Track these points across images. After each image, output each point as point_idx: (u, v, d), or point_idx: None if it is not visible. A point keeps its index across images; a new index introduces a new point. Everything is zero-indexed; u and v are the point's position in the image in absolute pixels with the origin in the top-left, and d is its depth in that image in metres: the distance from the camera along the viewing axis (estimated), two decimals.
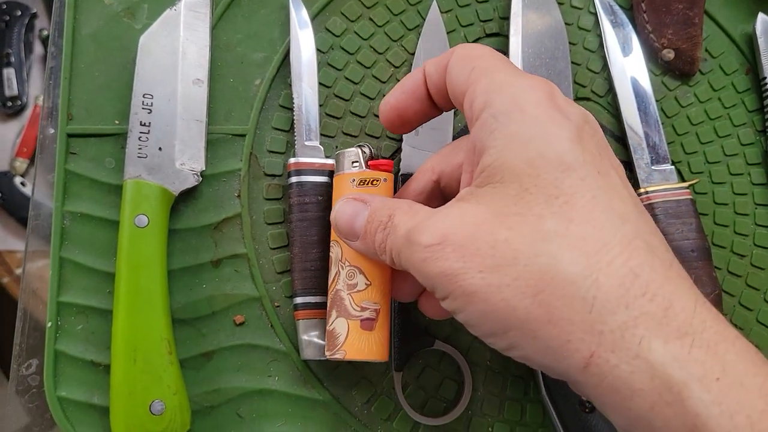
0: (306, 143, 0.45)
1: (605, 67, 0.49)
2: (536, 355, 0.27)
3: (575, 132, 0.29)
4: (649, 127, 0.47)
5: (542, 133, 0.28)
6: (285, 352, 0.43)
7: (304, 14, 0.47)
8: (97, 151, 0.44)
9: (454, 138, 0.47)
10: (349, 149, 0.38)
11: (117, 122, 0.45)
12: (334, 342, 0.36)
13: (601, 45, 0.50)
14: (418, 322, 0.44)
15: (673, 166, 0.46)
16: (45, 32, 1.10)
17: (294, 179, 0.43)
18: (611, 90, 0.49)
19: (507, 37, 0.48)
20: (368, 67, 0.48)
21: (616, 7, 0.50)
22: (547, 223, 0.27)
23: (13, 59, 1.08)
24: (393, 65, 0.48)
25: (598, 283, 0.25)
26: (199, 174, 0.44)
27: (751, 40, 0.51)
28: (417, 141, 0.46)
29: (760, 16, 0.51)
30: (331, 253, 0.38)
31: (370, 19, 0.49)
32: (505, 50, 0.48)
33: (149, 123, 0.44)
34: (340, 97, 0.47)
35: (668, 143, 0.48)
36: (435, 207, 0.31)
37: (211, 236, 0.44)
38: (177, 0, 0.46)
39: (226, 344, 0.43)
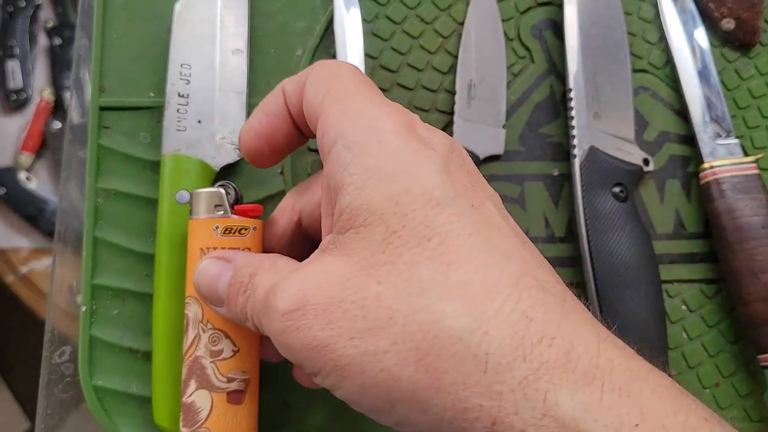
0: None
1: (662, 37, 0.47)
2: (431, 430, 0.23)
3: (442, 163, 0.25)
4: (712, 99, 0.45)
5: (405, 166, 0.25)
6: None
7: None
8: (132, 125, 0.42)
9: (509, 111, 0.45)
10: (208, 189, 0.32)
11: (152, 95, 0.42)
12: (193, 418, 0.31)
13: (657, 15, 0.47)
14: None
15: (737, 140, 0.44)
16: (50, 23, 1.07)
17: None
18: (669, 62, 0.47)
19: (560, 6, 0.45)
20: (415, 37, 0.45)
21: None
22: (422, 272, 0.23)
23: (17, 51, 1.04)
24: (441, 35, 0.45)
25: (489, 337, 0.22)
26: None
27: None
28: (470, 114, 0.43)
29: None
30: (187, 311, 0.32)
31: None
32: (559, 20, 0.45)
33: (187, 95, 0.41)
34: (387, 69, 0.44)
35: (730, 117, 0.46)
36: (300, 253, 0.28)
37: None
38: None
39: None
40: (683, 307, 0.43)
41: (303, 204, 0.32)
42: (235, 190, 0.33)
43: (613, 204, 0.41)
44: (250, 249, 0.32)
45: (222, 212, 0.32)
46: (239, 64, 0.43)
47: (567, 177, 0.44)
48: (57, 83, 1.05)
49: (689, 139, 0.45)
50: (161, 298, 0.37)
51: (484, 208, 0.26)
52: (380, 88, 0.43)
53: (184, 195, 0.38)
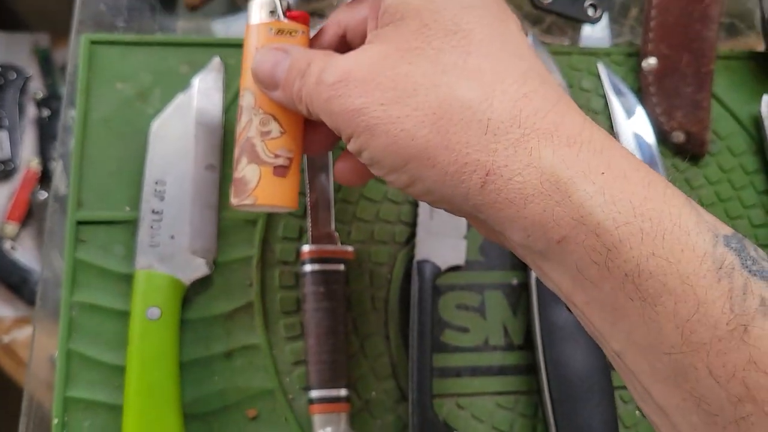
0: (320, 230, 0.44)
1: None
2: (436, 184, 0.27)
3: None
4: None
5: None
6: None
7: None
8: (107, 239, 0.43)
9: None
10: None
11: (128, 209, 0.44)
12: (243, 188, 0.35)
13: (611, 127, 0.50)
14: (436, 419, 0.43)
15: None
16: (39, 95, 1.10)
17: (309, 267, 0.43)
18: None
19: None
20: None
21: (625, 89, 0.51)
22: (446, 56, 0.28)
23: (6, 122, 1.07)
24: None
25: (493, 107, 0.26)
26: (211, 262, 0.43)
27: (758, 121, 0.52)
28: (432, 225, 0.45)
29: (765, 97, 0.52)
30: (241, 102, 0.36)
31: None
32: None
33: (161, 210, 0.43)
34: None
35: None
36: None
37: (223, 326, 0.43)
38: (189, 84, 0.46)
39: None
40: (637, 412, 0.45)
41: (349, 19, 0.36)
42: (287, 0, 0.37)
43: (567, 316, 0.43)
44: None
45: (275, 17, 0.36)
46: (213, 179, 0.45)
47: (525, 286, 0.46)
48: (44, 153, 1.07)
49: None
50: (130, 412, 0.39)
51: (506, 22, 0.29)
52: (347, 201, 0.45)
53: (154, 312, 0.40)
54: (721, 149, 0.51)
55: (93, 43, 0.47)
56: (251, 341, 0.43)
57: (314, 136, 0.37)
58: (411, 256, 0.45)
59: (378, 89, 0.28)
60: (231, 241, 0.45)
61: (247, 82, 0.36)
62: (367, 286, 0.45)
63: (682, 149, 0.50)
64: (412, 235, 0.46)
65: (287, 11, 0.36)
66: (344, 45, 0.37)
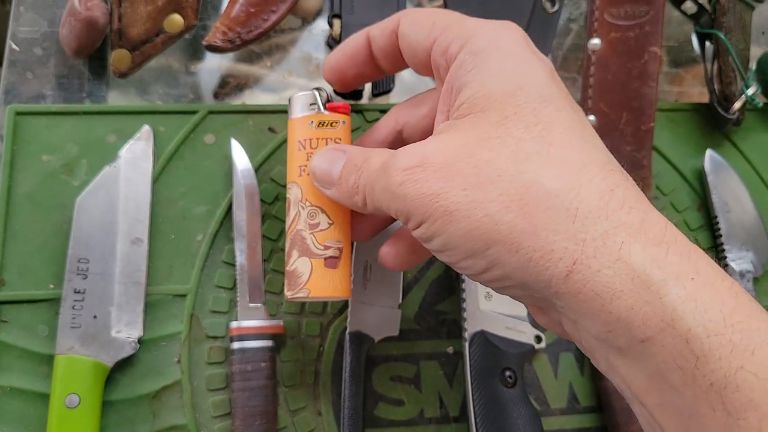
0: (249, 305, 0.43)
1: None
2: (517, 270, 0.27)
3: (549, 70, 0.31)
4: None
5: (522, 68, 0.30)
6: None
7: (247, 164, 0.46)
8: (30, 318, 0.42)
9: (405, 290, 0.46)
10: (304, 92, 0.38)
11: (52, 286, 0.43)
12: (296, 281, 0.36)
13: None
14: None
15: None
16: None
17: (236, 345, 0.42)
18: None
19: None
20: None
21: None
22: (528, 145, 0.28)
23: None
24: None
25: (580, 197, 0.26)
26: (136, 341, 0.42)
27: (701, 175, 0.51)
28: (366, 296, 0.45)
29: (708, 152, 0.51)
30: (289, 195, 0.37)
31: None
32: None
33: (84, 290, 0.42)
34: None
35: None
36: None
37: (149, 406, 0.42)
38: (116, 156, 0.45)
39: None
40: None
41: (408, 116, 0.38)
42: (327, 92, 0.38)
43: (501, 390, 0.42)
44: (340, 139, 0.37)
45: (316, 109, 0.37)
46: (139, 253, 0.44)
47: (461, 355, 0.45)
48: None
49: None
50: None
51: (579, 112, 0.31)
52: (278, 271, 0.44)
53: (73, 399, 0.39)
54: (665, 205, 0.51)
55: (18, 114, 0.46)
56: (178, 421, 0.42)
57: (362, 224, 0.38)
58: (344, 328, 0.44)
59: (459, 175, 0.28)
60: (159, 316, 0.44)
61: (293, 175, 0.37)
62: (299, 359, 0.44)
63: None
64: (345, 306, 0.45)
65: (327, 103, 0.37)
66: (399, 141, 0.38)
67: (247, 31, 0.48)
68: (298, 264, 0.36)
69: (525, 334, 0.45)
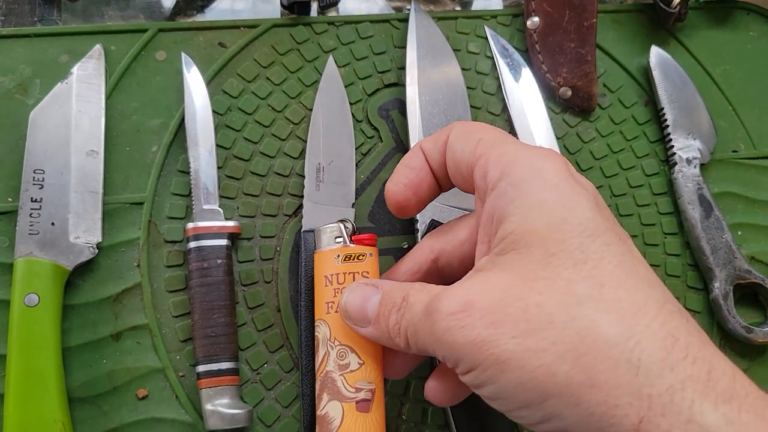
0: (204, 207, 0.44)
1: (505, 108, 0.50)
2: (578, 424, 0.25)
3: (593, 200, 0.29)
4: None
5: (564, 200, 0.28)
6: (191, 423, 0.42)
7: (199, 78, 0.47)
8: None
9: (359, 190, 0.47)
10: (329, 224, 0.36)
11: (10, 200, 0.44)
12: (327, 428, 0.34)
13: (499, 87, 0.50)
14: None
15: None
16: None
17: (193, 244, 0.43)
18: (512, 131, 0.49)
19: (404, 86, 0.48)
20: (267, 126, 0.48)
21: (512, 50, 0.51)
22: (579, 287, 0.26)
23: None
24: (292, 122, 0.48)
25: (641, 346, 0.25)
26: (94, 246, 0.43)
27: (647, 72, 0.52)
28: (319, 196, 0.46)
29: (653, 48, 0.52)
30: (317, 333, 0.36)
31: (267, 78, 0.49)
32: (404, 99, 0.48)
33: (40, 198, 0.43)
34: (240, 158, 0.47)
35: None
36: None
37: (111, 309, 0.43)
38: (69, 73, 0.46)
39: (130, 420, 0.41)
40: None
41: (443, 244, 0.36)
42: (353, 224, 0.37)
43: None
44: (368, 272, 0.36)
45: (342, 243, 0.36)
46: (95, 165, 0.45)
47: None
48: None
49: None
50: (11, 399, 0.39)
51: (628, 242, 0.29)
52: (233, 177, 0.45)
53: (33, 298, 0.40)
54: (612, 102, 0.52)
55: None
56: (139, 322, 0.43)
57: (396, 360, 0.36)
58: (299, 228, 0.45)
59: (508, 320, 0.26)
60: (117, 224, 0.45)
61: (320, 312, 0.35)
62: (257, 260, 0.45)
63: (570, 104, 0.50)
64: (299, 207, 0.46)
65: (353, 235, 0.36)
66: (435, 270, 0.36)
67: None
68: (329, 408, 0.34)
69: None
